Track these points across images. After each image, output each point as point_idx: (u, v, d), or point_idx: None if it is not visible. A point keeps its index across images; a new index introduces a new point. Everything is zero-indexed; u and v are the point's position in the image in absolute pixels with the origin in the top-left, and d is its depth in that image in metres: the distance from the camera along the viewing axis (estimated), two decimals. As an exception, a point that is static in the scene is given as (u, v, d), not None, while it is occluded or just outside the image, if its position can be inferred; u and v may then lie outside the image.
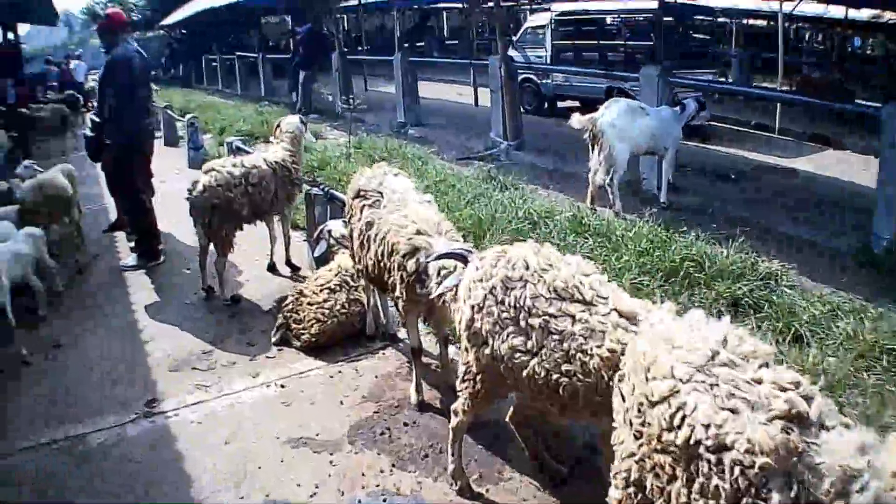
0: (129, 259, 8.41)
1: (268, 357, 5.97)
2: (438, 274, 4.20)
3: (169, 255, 8.58)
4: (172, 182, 11.03)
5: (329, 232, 6.30)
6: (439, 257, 4.13)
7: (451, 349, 5.36)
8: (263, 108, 19.01)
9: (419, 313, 4.82)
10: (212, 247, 7.02)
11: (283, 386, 5.51)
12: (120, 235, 9.50)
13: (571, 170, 10.89)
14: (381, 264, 4.71)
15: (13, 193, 8.32)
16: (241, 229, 7.12)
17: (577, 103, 16.00)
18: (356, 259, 5.26)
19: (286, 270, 7.74)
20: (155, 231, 8.41)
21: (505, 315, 3.34)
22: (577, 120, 8.47)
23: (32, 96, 20.44)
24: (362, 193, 5.12)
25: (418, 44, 25.44)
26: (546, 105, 17.00)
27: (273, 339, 6.12)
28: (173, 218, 9.06)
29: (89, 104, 27.43)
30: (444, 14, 28.29)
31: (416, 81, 16.19)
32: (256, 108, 19.46)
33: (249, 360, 5.94)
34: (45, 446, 4.95)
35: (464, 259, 3.94)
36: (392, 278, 4.61)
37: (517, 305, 3.29)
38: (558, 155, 12.03)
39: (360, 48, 25.36)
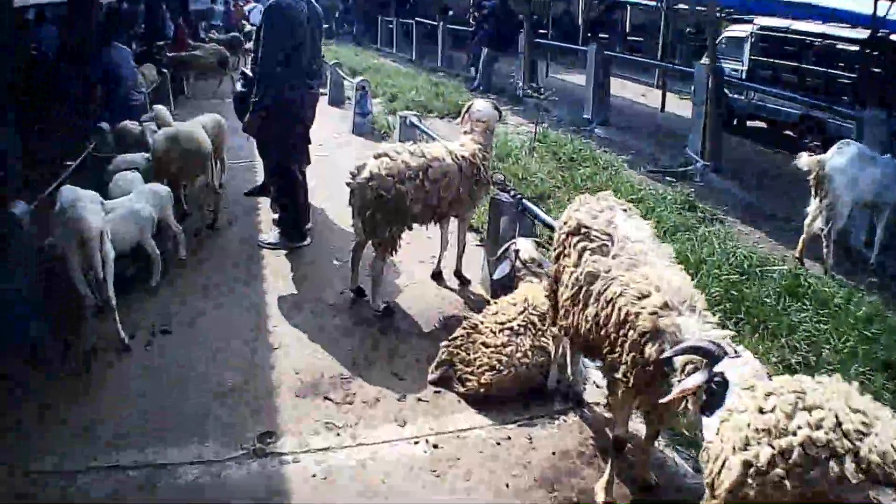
0: (270, 235, 7.61)
1: (420, 400, 4.93)
2: (683, 370, 3.25)
3: (316, 238, 7.71)
4: (332, 148, 10.24)
5: (516, 252, 5.45)
6: (688, 350, 3.18)
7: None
8: (438, 80, 18.52)
9: (638, 403, 3.83)
10: (370, 244, 6.07)
11: (435, 446, 4.47)
12: (263, 203, 8.74)
13: (773, 206, 9.90)
14: (602, 333, 3.82)
15: (146, 139, 7.64)
16: (410, 229, 6.12)
17: (765, 125, 15.70)
18: (557, 307, 4.43)
19: (454, 282, 6.70)
20: (304, 208, 7.58)
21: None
22: (805, 161, 7.69)
23: (194, 34, 20.32)
24: (584, 231, 4.13)
25: (602, 35, 24.19)
26: (735, 122, 16.03)
27: (430, 377, 5.12)
28: (327, 191, 8.24)
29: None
30: (630, 8, 26.87)
31: (608, 77, 15.37)
32: (431, 78, 18.99)
33: (397, 399, 4.93)
34: (121, 471, 4.17)
35: (718, 357, 3.02)
36: (614, 355, 3.76)
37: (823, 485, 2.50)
38: (758, 185, 11.09)
39: (543, 31, 24.27)
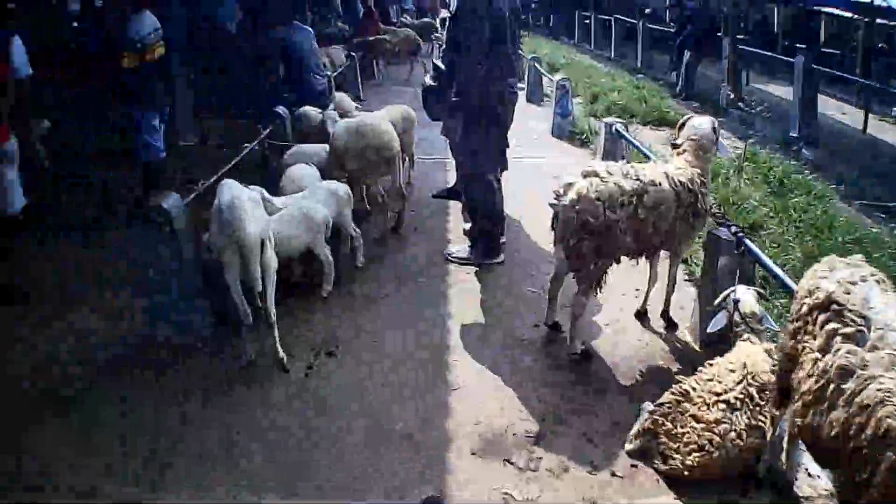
0: (459, 247, 7.05)
1: (614, 475, 4.15)
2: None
3: (510, 255, 7.03)
4: (529, 150, 9.52)
5: (735, 303, 4.59)
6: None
7: None
8: (640, 82, 17.53)
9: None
10: (571, 275, 5.35)
11: (629, 538, 3.72)
12: (454, 208, 8.19)
13: None
14: (850, 445, 3.09)
15: (325, 129, 7.24)
16: (618, 262, 5.31)
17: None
18: (787, 393, 3.72)
19: (659, 324, 5.82)
20: (499, 219, 6.92)
21: None
22: None
23: (385, 17, 20.26)
24: (835, 308, 3.32)
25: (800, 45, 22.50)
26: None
27: (628, 446, 4.34)
28: (523, 201, 7.60)
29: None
30: (825, 19, 24.86)
31: (817, 93, 13.91)
32: (631, 80, 18.03)
33: (588, 471, 4.16)
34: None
35: None
36: (862, 473, 3.04)
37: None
38: None
39: (741, 37, 22.88)
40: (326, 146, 7.22)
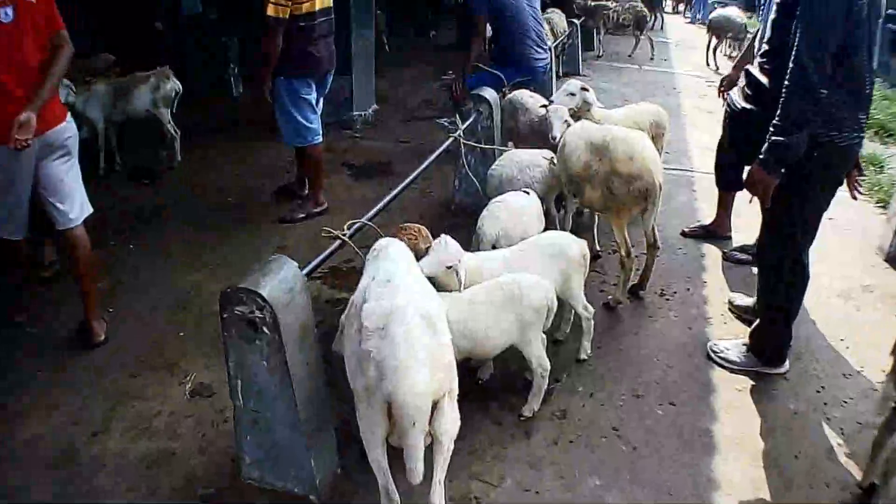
0: (729, 344, 4.56)
1: None
2: None
3: (796, 363, 4.49)
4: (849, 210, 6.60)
5: None
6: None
7: None
8: None
9: None
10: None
11: None
12: (711, 257, 5.85)
13: None
14: None
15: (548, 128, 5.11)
16: None
17: None
18: None
19: None
20: (795, 315, 4.30)
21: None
22: None
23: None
24: None
25: None
26: None
27: None
28: (821, 290, 5.11)
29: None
30: None
31: None
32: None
33: None
34: None
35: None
36: None
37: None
38: None
39: None
40: (548, 156, 5.06)
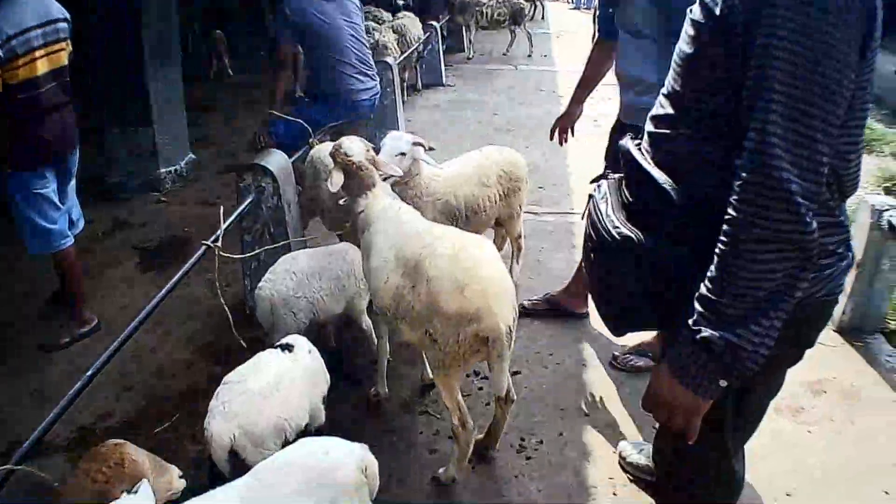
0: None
1: None
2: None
3: None
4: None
5: None
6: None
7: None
8: None
9: None
10: None
11: None
12: (592, 364, 4.43)
13: None
14: None
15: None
16: None
17: None
18: None
19: None
20: None
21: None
22: None
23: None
24: None
25: None
26: None
27: None
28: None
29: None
30: None
31: None
32: None
33: None
34: None
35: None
36: None
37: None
38: None
39: None
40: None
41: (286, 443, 2.79)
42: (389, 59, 7.85)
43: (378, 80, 6.09)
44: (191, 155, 7.66)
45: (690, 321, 1.73)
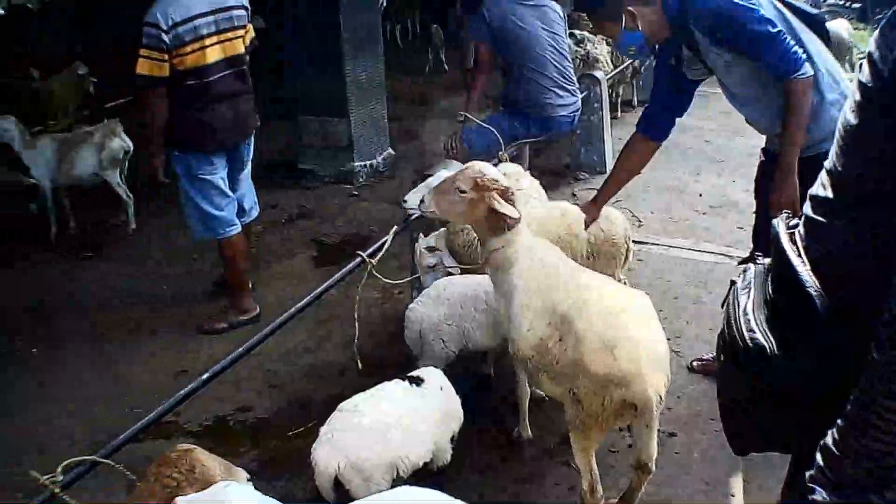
0: None
1: None
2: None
3: None
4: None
5: None
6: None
7: None
8: None
9: None
10: None
11: None
12: None
13: None
14: None
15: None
16: None
17: None
18: None
19: None
20: None
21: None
22: None
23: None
24: None
25: None
26: None
27: None
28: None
29: None
30: None
31: None
32: None
33: None
34: None
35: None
36: None
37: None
38: None
39: None
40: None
41: (398, 479, 2.68)
42: (598, 73, 7.55)
43: (579, 95, 5.81)
44: (389, 150, 7.69)
45: (808, 474, 1.37)
